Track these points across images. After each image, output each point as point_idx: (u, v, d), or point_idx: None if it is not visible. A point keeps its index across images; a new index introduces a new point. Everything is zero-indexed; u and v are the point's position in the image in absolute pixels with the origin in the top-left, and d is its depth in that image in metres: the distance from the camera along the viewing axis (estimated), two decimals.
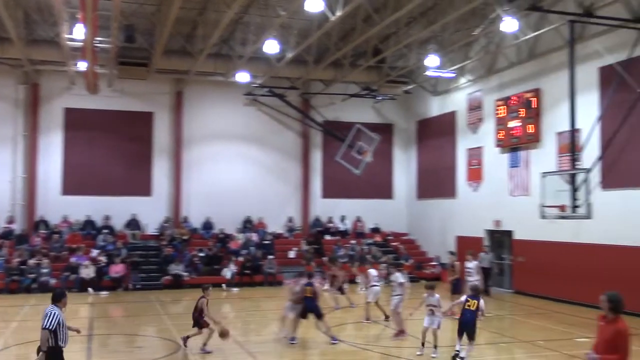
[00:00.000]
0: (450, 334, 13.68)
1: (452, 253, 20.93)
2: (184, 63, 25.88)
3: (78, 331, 9.72)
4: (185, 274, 25.34)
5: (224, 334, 13.39)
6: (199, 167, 29.23)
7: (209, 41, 22.29)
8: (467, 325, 12.21)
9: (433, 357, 12.86)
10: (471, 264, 19.14)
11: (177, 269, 25.26)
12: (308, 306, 14.37)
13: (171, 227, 28.02)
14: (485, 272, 22.75)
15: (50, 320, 8.58)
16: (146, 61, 25.09)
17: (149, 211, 28.21)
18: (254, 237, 28.47)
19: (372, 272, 17.82)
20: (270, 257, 26.70)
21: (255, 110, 30.21)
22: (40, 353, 8.81)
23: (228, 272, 25.50)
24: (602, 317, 7.27)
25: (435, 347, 12.99)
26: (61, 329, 8.71)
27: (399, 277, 15.20)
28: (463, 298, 12.72)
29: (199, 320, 13.64)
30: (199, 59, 24.29)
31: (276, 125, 30.65)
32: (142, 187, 28.53)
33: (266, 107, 30.09)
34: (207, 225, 28.90)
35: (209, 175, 29.25)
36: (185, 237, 27.57)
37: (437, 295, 13.40)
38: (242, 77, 25.89)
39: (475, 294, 12.58)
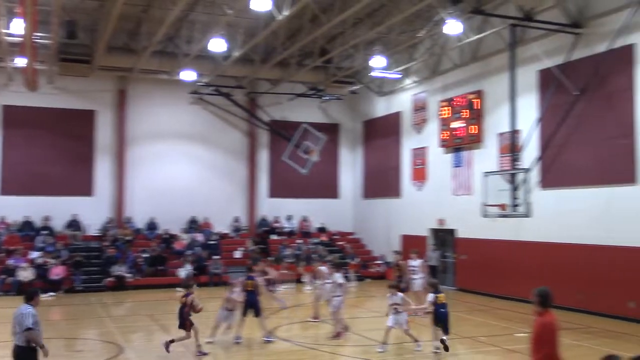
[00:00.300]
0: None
1: (396, 252, 21.18)
2: (127, 60, 25.39)
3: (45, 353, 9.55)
4: (128, 275, 24.87)
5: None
6: (143, 166, 28.73)
7: (153, 38, 21.95)
8: (443, 320, 12.93)
9: (417, 350, 13.31)
10: (416, 262, 19.31)
11: (120, 270, 24.77)
12: (249, 300, 14.34)
13: (114, 228, 27.45)
14: (432, 270, 23.19)
15: (32, 320, 8.50)
16: (88, 58, 24.51)
17: (91, 211, 27.55)
18: (200, 237, 28.18)
19: (324, 269, 17.65)
20: (216, 257, 26.48)
21: (201, 109, 29.91)
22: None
23: (183, 272, 25.14)
24: (534, 311, 7.58)
25: (416, 341, 13.46)
26: (37, 328, 8.64)
27: (338, 277, 15.17)
28: (431, 297, 13.15)
29: (185, 320, 13.13)
30: (143, 57, 23.89)
31: (222, 124, 30.41)
32: (84, 187, 27.84)
33: (212, 106, 29.83)
34: (151, 226, 28.44)
35: (154, 175, 28.79)
36: (128, 238, 27.05)
37: (400, 294, 13.76)
38: (188, 75, 25.58)
39: (437, 289, 13.24)
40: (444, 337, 12.91)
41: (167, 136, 29.23)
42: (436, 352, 13.02)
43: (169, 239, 27.73)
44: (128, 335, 15.98)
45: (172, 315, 19.16)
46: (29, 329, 8.45)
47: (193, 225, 28.99)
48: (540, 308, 7.49)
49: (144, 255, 26.12)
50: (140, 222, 28.47)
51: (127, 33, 24.47)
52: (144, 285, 24.86)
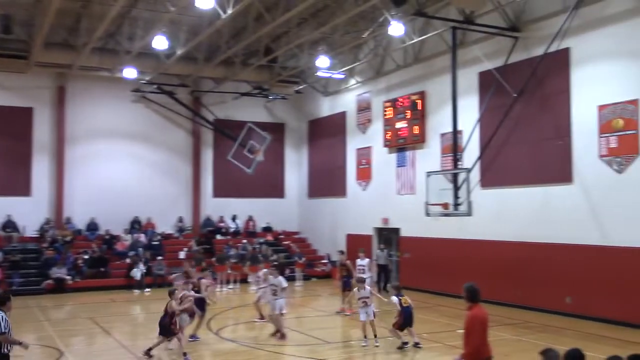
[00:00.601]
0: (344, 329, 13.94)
1: (341, 252, 21.28)
2: (66, 57, 24.71)
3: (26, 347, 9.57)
4: (68, 277, 24.21)
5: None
6: (83, 165, 28.00)
7: (93, 35, 21.42)
8: (409, 319, 13.66)
9: (376, 346, 13.68)
10: (363, 261, 19.37)
11: (59, 272, 24.08)
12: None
13: (53, 229, 26.68)
14: (382, 269, 23.41)
15: (4, 324, 8.48)
16: (25, 54, 23.79)
17: (28, 212, 26.65)
18: (142, 237, 27.70)
19: (266, 272, 17.54)
20: (160, 258, 26.07)
21: (143, 108, 29.38)
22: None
23: (138, 272, 24.67)
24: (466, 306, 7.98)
25: (375, 336, 13.87)
26: (9, 332, 8.62)
27: (282, 281, 15.08)
28: (396, 300, 13.75)
29: (168, 326, 12.78)
30: (83, 53, 23.30)
31: (166, 123, 29.96)
32: (21, 187, 26.90)
33: (155, 105, 29.34)
34: (92, 226, 27.78)
35: (95, 174, 28.10)
36: (68, 239, 26.35)
37: (368, 288, 14.32)
38: (129, 72, 25.09)
39: (399, 291, 13.93)
40: (417, 340, 13.62)
41: (109, 135, 28.59)
42: (402, 348, 13.48)
43: (110, 240, 27.15)
44: (68, 339, 15.58)
45: (114, 317, 18.98)
46: (2, 333, 8.45)
47: (135, 226, 28.47)
48: (469, 302, 7.85)
49: (85, 256, 25.50)
50: (80, 222, 27.76)
51: (66, 29, 23.82)
52: (85, 287, 24.26)
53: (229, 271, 25.22)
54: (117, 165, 28.66)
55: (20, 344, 8.77)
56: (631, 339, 14.17)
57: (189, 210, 30.30)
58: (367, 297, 14.08)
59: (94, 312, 19.48)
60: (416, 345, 13.66)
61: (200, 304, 14.62)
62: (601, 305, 16.71)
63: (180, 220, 29.87)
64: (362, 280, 14.75)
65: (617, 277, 16.36)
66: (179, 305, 13.08)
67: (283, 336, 14.73)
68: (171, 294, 13.27)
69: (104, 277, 25.11)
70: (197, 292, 14.66)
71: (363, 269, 19.00)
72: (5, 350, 8.63)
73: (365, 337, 13.93)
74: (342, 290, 18.73)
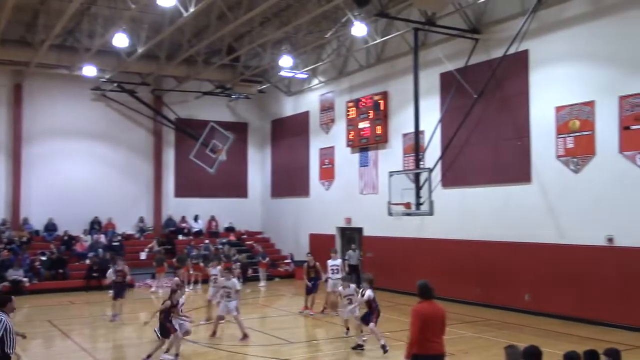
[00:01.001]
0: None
1: (309, 253, 20.59)
2: (23, 54, 24.17)
3: (24, 336, 9.58)
4: (25, 279, 23.66)
5: None
6: (41, 165, 27.43)
7: (51, 31, 20.99)
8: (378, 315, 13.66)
9: (364, 340, 13.71)
10: (336, 262, 18.82)
11: (15, 274, 23.50)
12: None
13: (8, 230, 26.05)
14: (354, 269, 23.21)
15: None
16: None
17: None
18: (102, 238, 27.25)
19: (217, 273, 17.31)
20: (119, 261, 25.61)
21: (104, 106, 28.94)
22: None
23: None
24: None
25: (362, 331, 13.78)
26: (8, 335, 8.36)
27: (236, 284, 15.07)
28: (371, 293, 13.45)
29: (164, 325, 12.57)
30: (41, 50, 22.80)
31: (126, 122, 29.55)
32: None
33: (115, 103, 28.92)
34: (50, 227, 27.23)
35: (53, 174, 27.55)
36: (24, 240, 25.76)
37: (352, 286, 14.64)
38: (89, 70, 24.67)
39: (372, 284, 13.72)
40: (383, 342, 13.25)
41: (68, 134, 28.06)
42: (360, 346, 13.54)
43: (69, 241, 26.64)
44: (25, 342, 15.20)
45: (73, 320, 18.62)
46: None
47: (95, 226, 28.00)
48: (419, 298, 8.03)
49: (42, 258, 24.97)
50: (38, 223, 27.20)
51: (23, 25, 23.30)
52: (43, 289, 23.75)
53: (191, 272, 24.97)
54: (77, 165, 28.16)
55: (23, 336, 9.01)
56: (587, 335, 14.51)
57: (150, 210, 29.94)
58: (352, 295, 14.38)
59: (52, 315, 19.10)
60: (360, 347, 13.56)
61: None
62: (558, 303, 17.09)
63: (142, 220, 29.50)
64: (347, 280, 15.20)
65: (574, 275, 16.75)
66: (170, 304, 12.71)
67: (245, 336, 14.68)
68: (173, 292, 12.92)
69: (63, 279, 24.62)
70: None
71: (337, 269, 18.50)
72: (8, 350, 8.49)
73: (347, 329, 14.53)
74: (307, 292, 18.62)
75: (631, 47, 15.63)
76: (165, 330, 12.63)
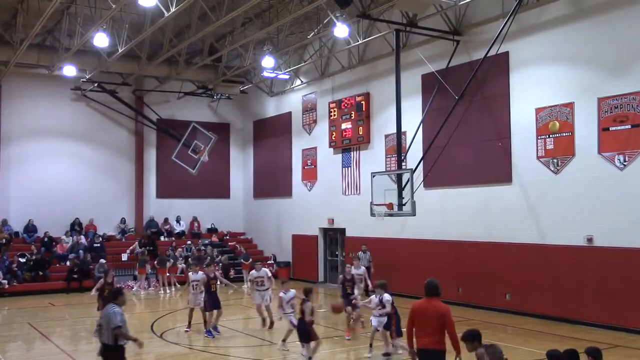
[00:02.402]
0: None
1: (356, 256, 19.32)
2: (2, 53, 23.85)
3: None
4: (4, 281, 23.38)
5: None
6: (20, 165, 27.12)
7: (31, 31, 20.76)
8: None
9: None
10: (359, 270, 16.59)
11: None
12: None
13: None
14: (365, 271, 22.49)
15: (120, 318, 8.78)
16: None
17: None
18: (83, 239, 27.02)
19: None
20: (102, 260, 25.46)
21: (84, 106, 28.71)
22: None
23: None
24: None
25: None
26: (124, 326, 8.92)
27: (267, 272, 16.49)
28: (390, 298, 12.67)
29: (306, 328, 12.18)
30: (20, 50, 22.54)
31: (107, 122, 29.32)
32: None
33: (96, 103, 28.69)
34: (30, 228, 26.93)
35: (33, 175, 27.25)
36: (3, 241, 25.45)
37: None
38: (69, 70, 24.46)
39: (386, 289, 12.74)
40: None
41: (47, 134, 27.78)
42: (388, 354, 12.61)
43: (49, 242, 26.38)
44: (4, 345, 15.07)
45: (53, 322, 18.43)
46: (117, 327, 8.73)
47: (76, 228, 27.74)
48: (425, 296, 8.35)
49: (21, 259, 24.70)
50: (17, 224, 26.89)
51: (2, 24, 23.03)
52: (23, 291, 23.51)
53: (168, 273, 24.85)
54: (57, 166, 27.89)
55: (135, 340, 9.08)
56: (567, 334, 14.68)
57: (131, 211, 29.74)
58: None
59: (31, 317, 18.91)
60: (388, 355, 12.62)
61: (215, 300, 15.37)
62: (539, 302, 17.26)
63: (123, 221, 29.29)
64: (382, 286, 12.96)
65: (554, 275, 16.93)
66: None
67: (272, 324, 15.76)
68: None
69: (43, 281, 24.37)
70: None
71: (360, 279, 16.39)
72: (121, 342, 8.91)
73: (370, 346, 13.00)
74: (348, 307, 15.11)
75: (610, 49, 15.83)
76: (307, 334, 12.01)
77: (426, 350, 8.12)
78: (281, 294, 13.64)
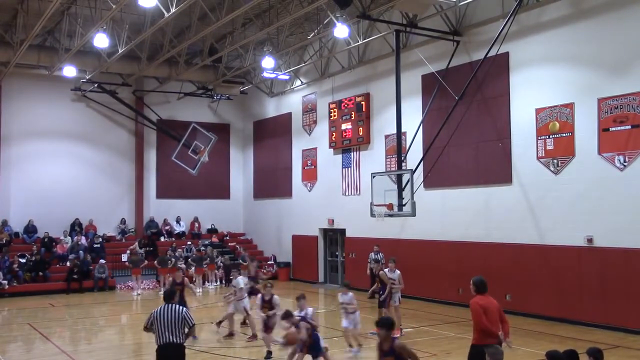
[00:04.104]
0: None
1: (377, 261, 19.41)
2: (2, 54, 23.84)
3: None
4: (4, 282, 23.38)
5: None
6: (20, 166, 27.13)
7: (31, 31, 20.76)
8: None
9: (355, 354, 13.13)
10: (394, 274, 15.68)
11: None
12: None
13: None
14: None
15: (191, 316, 8.86)
16: None
17: None
18: (83, 240, 27.02)
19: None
20: (102, 261, 25.47)
21: (84, 107, 28.71)
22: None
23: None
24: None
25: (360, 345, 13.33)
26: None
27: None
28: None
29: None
30: (20, 50, 22.54)
31: (107, 122, 29.33)
32: None
33: (96, 104, 28.69)
34: (30, 229, 26.93)
35: (33, 175, 27.26)
36: (3, 242, 25.45)
37: (350, 294, 13.60)
38: (69, 71, 24.45)
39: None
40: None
41: (48, 134, 27.78)
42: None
43: (49, 243, 26.37)
44: (4, 345, 15.08)
45: (53, 322, 18.43)
46: (194, 324, 8.94)
47: (76, 228, 27.74)
48: (474, 293, 9.08)
49: (21, 260, 24.70)
50: (17, 225, 26.89)
51: (2, 24, 23.03)
52: (23, 292, 23.51)
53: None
54: (57, 166, 27.89)
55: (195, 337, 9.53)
56: (568, 335, 14.67)
57: (131, 211, 29.74)
58: (348, 304, 13.53)
59: (31, 317, 18.92)
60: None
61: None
62: (539, 303, 17.25)
63: (123, 222, 29.29)
64: (346, 285, 14.08)
65: (554, 275, 16.91)
66: None
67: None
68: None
69: (43, 281, 24.37)
70: None
71: (393, 283, 15.56)
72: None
73: (350, 346, 13.32)
74: (380, 305, 15.46)
75: (610, 49, 15.83)
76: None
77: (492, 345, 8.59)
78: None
